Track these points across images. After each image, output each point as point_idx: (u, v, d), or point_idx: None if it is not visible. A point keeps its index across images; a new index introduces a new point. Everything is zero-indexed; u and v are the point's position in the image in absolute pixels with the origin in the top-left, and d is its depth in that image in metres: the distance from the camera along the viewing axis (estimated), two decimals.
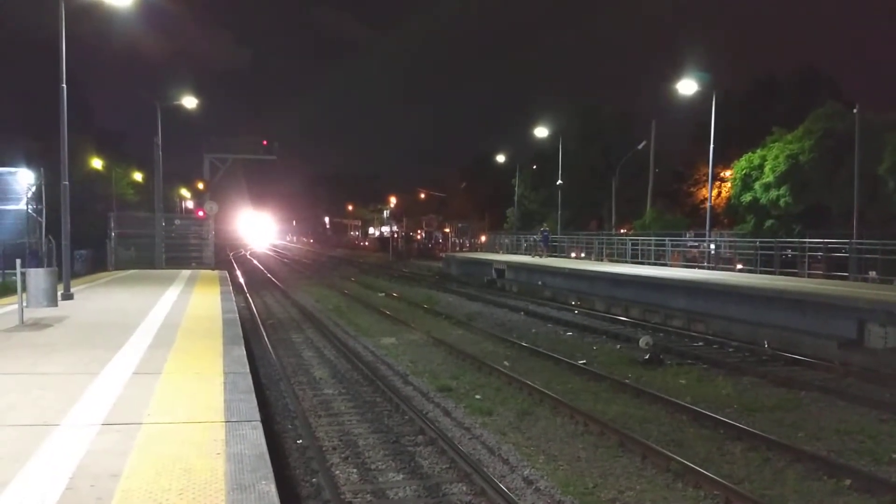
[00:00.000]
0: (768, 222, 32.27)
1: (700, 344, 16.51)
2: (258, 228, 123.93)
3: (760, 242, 26.53)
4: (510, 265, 34.18)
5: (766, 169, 31.26)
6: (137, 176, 50.98)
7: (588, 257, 36.97)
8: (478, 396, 11.47)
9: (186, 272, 26.06)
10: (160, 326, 11.07)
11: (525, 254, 41.99)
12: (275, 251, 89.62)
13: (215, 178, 38.65)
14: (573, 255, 39.26)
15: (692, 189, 46.00)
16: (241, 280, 35.17)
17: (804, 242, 24.71)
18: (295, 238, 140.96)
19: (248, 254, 77.63)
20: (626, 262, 31.41)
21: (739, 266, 28.21)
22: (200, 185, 39.59)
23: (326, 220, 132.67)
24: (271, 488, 4.24)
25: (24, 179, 22.59)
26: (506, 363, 14.03)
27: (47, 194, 22.04)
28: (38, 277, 12.87)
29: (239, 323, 12.11)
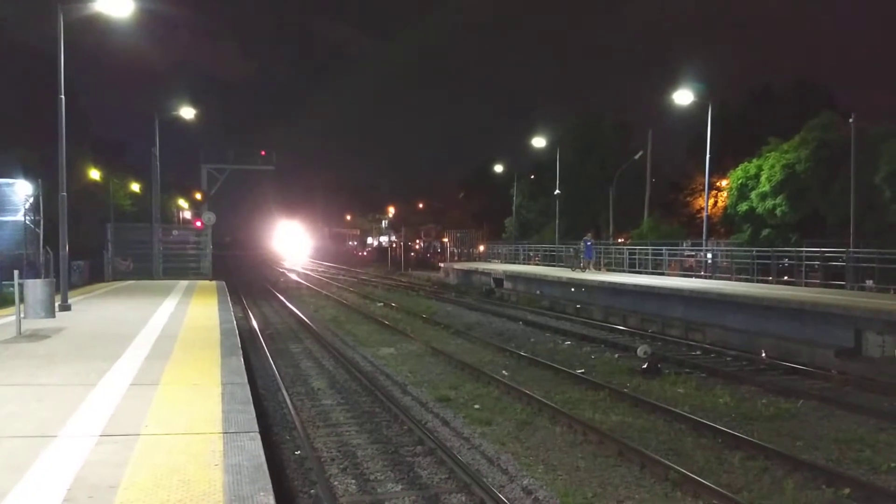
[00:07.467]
0: (765, 231, 32.38)
1: (698, 353, 16.52)
2: (292, 241, 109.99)
3: (757, 251, 26.57)
4: (508, 275, 34.17)
5: (763, 178, 31.40)
6: (135, 186, 50.96)
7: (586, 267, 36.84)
8: (477, 406, 11.45)
9: (184, 283, 26.05)
10: (158, 337, 11.07)
11: (533, 264, 41.67)
12: (280, 265, 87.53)
13: (213, 189, 38.68)
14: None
15: (689, 199, 46.14)
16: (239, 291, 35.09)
17: (801, 251, 24.78)
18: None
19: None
20: (624, 271, 31.43)
21: (726, 274, 28.19)
22: (198, 196, 39.65)
23: (326, 230, 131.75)
24: (270, 499, 4.24)
25: (21, 190, 22.59)
26: (504, 373, 14.01)
27: (45, 205, 22.04)
28: (35, 288, 12.86)
29: (237, 333, 12.12)
